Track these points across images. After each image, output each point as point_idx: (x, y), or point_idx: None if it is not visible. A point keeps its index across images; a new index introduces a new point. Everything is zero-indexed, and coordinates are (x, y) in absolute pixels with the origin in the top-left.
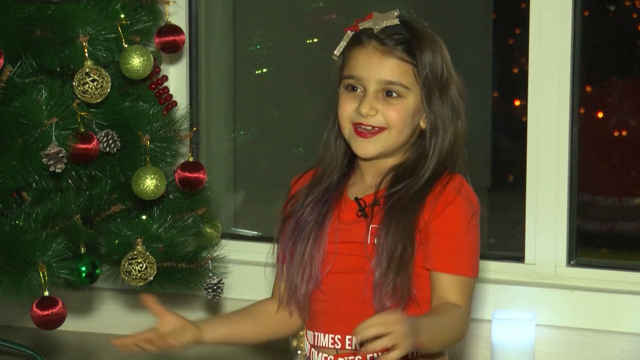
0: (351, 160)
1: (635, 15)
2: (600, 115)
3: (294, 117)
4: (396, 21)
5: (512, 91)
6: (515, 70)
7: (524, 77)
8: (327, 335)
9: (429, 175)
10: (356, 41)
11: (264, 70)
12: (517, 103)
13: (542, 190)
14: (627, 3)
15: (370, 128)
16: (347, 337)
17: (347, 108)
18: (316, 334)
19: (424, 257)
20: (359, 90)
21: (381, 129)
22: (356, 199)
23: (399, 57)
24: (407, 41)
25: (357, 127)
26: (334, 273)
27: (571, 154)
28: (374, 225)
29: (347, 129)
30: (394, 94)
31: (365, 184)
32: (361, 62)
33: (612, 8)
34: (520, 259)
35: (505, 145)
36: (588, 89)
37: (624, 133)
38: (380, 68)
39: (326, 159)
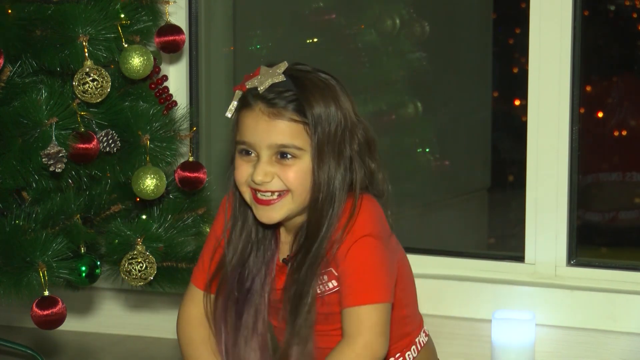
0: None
1: (635, 15)
2: (600, 115)
3: None
4: (281, 77)
5: (512, 91)
6: (515, 70)
7: (524, 77)
8: None
9: (327, 229)
10: (244, 103)
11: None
12: (517, 103)
13: (542, 190)
14: (627, 3)
15: (269, 194)
16: None
17: (243, 173)
18: None
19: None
20: (252, 154)
21: (283, 193)
22: (284, 260)
23: (289, 119)
24: (296, 98)
25: (256, 194)
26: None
27: (571, 154)
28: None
29: (246, 193)
30: (289, 156)
31: (289, 240)
32: (250, 127)
33: (612, 8)
34: (520, 259)
35: (505, 145)
36: (588, 89)
37: (624, 133)
38: (270, 133)
39: (236, 224)
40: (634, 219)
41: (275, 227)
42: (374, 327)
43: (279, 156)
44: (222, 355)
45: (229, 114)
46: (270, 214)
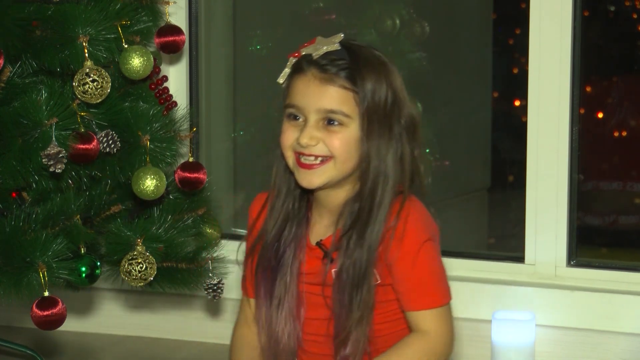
0: (302, 198)
1: (635, 16)
2: (600, 115)
3: None
4: (336, 46)
5: (512, 91)
6: (515, 70)
7: (524, 77)
8: None
9: (378, 213)
10: (297, 68)
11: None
12: (517, 103)
13: (542, 190)
14: (627, 3)
15: (313, 158)
16: None
17: (289, 137)
18: None
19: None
20: (300, 119)
21: (326, 159)
22: (318, 243)
23: (340, 85)
24: (348, 67)
25: (300, 158)
26: (309, 319)
27: (571, 154)
28: (333, 269)
29: (290, 158)
30: (336, 122)
31: (324, 224)
32: (300, 90)
33: (612, 8)
34: (520, 259)
35: (505, 145)
36: (588, 89)
37: (624, 133)
38: (319, 97)
39: (281, 191)
40: (634, 223)
41: (307, 207)
42: (448, 326)
43: (326, 122)
44: (259, 327)
45: (280, 80)
46: (311, 178)
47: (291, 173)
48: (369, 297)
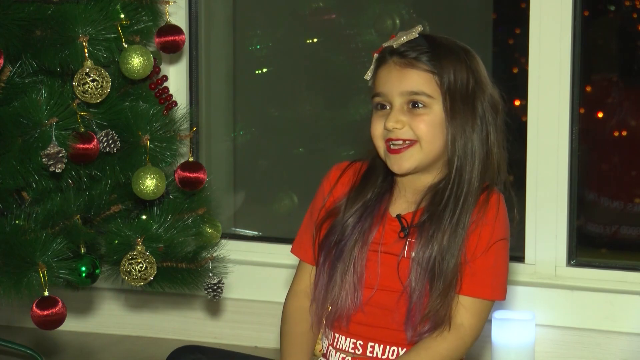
0: (388, 175)
1: (635, 15)
2: (600, 115)
3: (294, 117)
4: (415, 35)
5: (512, 91)
6: (515, 70)
7: (524, 77)
8: (348, 339)
9: (469, 192)
10: (380, 61)
11: (264, 70)
12: (517, 103)
13: (542, 190)
14: (627, 3)
15: (400, 142)
16: (370, 344)
17: (378, 127)
18: (337, 335)
19: None
20: (387, 107)
21: (412, 143)
22: (398, 216)
23: (421, 68)
24: (427, 51)
25: (390, 145)
26: (378, 290)
27: (571, 154)
28: (411, 240)
29: (381, 148)
30: (420, 105)
31: (406, 200)
32: (384, 78)
33: (612, 8)
34: (520, 259)
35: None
36: (588, 89)
37: (624, 133)
38: (401, 80)
39: (370, 174)
40: (636, 235)
41: (391, 184)
42: (482, 323)
43: (410, 105)
44: (315, 298)
45: (367, 77)
46: (401, 163)
47: (380, 161)
48: (452, 278)
